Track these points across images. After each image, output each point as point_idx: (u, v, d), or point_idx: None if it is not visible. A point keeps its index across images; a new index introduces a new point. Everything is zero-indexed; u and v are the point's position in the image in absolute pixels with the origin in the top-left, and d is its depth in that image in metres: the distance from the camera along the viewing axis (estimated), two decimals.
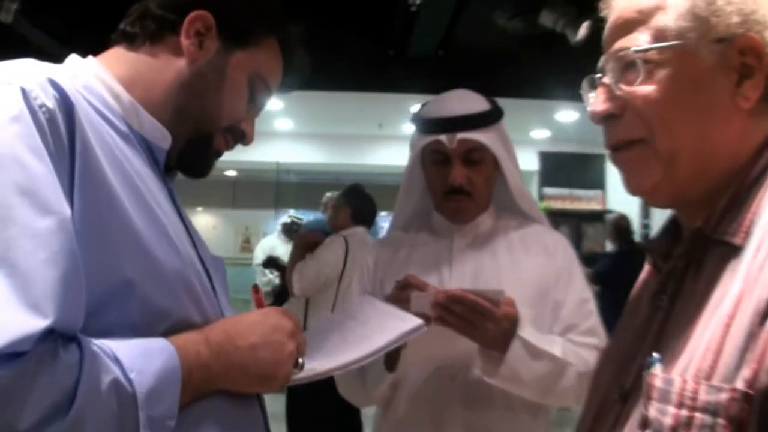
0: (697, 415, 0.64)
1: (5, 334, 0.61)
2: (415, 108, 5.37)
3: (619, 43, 0.80)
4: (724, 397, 0.63)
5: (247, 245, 9.80)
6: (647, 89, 0.77)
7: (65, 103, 0.76)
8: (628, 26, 0.80)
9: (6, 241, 0.65)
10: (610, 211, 7.24)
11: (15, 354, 0.60)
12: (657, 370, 0.71)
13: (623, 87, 0.79)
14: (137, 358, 0.72)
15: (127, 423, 0.69)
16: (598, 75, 0.84)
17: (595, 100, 0.83)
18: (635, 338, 0.83)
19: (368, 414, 3.53)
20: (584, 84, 0.89)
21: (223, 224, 10.20)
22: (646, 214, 7.86)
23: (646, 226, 7.88)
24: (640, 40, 0.78)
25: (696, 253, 0.78)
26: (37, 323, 0.63)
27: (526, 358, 1.35)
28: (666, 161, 0.78)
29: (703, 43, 0.75)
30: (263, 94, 1.02)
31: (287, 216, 7.11)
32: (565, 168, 7.52)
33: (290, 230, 6.67)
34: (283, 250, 6.18)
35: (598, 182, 7.56)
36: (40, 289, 0.64)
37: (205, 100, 0.94)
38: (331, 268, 3.66)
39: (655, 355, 0.73)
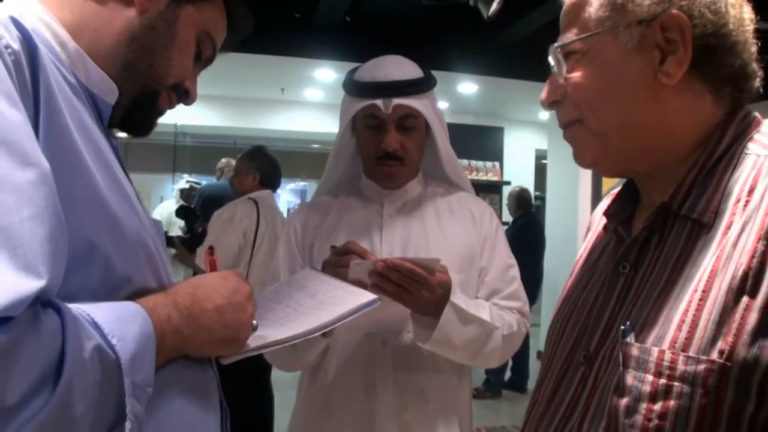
0: (676, 384, 0.68)
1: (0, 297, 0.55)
2: (319, 74, 5.30)
3: (560, 39, 0.86)
4: (702, 368, 0.66)
5: None
6: (575, 76, 0.83)
7: (29, 45, 0.69)
8: (567, 18, 0.86)
9: None
10: (507, 183, 7.47)
11: (3, 319, 0.55)
12: (631, 338, 0.74)
13: (564, 76, 0.85)
14: (115, 323, 0.67)
15: (110, 390, 0.65)
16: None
17: (543, 90, 0.89)
18: (596, 303, 0.86)
19: (278, 379, 3.53)
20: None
21: None
22: (539, 187, 8.19)
23: (539, 198, 8.21)
24: (571, 34, 0.84)
25: (659, 225, 0.81)
26: (30, 285, 0.57)
27: (456, 323, 1.38)
28: (600, 140, 0.84)
29: (621, 28, 0.79)
30: (209, 51, 0.98)
31: (185, 181, 6.89)
32: (464, 139, 7.66)
33: (189, 195, 6.49)
34: None
35: (495, 154, 7.76)
36: (29, 248, 0.58)
37: (155, 55, 0.89)
38: (245, 235, 3.53)
39: (627, 323, 0.76)
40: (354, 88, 1.56)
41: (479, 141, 7.75)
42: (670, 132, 0.81)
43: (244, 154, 3.89)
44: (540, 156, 8.28)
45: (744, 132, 0.80)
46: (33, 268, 0.58)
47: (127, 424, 0.66)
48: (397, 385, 1.47)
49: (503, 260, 1.61)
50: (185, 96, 0.99)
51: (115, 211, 0.75)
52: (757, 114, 0.83)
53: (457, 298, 1.39)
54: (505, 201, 6.90)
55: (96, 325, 0.66)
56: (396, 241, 1.56)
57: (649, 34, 0.78)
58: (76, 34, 0.83)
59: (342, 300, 1.12)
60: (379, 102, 1.50)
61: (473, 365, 1.57)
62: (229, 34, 1.01)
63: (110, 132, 0.93)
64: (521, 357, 5.86)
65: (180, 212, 4.48)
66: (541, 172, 8.18)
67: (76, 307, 0.66)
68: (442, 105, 7.46)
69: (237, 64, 5.32)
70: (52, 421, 0.58)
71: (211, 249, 1.00)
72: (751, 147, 0.78)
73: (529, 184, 8.13)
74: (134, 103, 0.91)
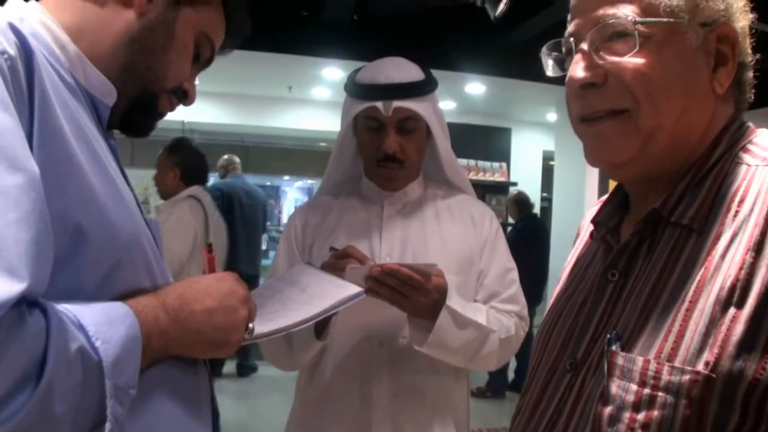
0: (660, 394, 0.67)
1: None
2: (327, 72, 5.29)
3: (605, 11, 0.78)
4: (686, 378, 0.66)
5: (146, 206, 9.46)
6: (638, 62, 0.76)
7: (25, 50, 0.71)
8: None
9: None
10: (513, 183, 7.47)
11: None
12: (617, 347, 0.73)
13: (606, 56, 0.78)
14: (102, 326, 0.69)
15: (91, 392, 0.67)
16: (571, 39, 0.82)
17: (575, 67, 0.80)
18: (584, 311, 0.85)
19: (278, 375, 3.52)
20: (545, 49, 0.88)
21: None
22: (545, 188, 8.17)
23: (545, 199, 8.20)
24: (627, 11, 0.77)
25: (649, 232, 0.80)
26: (12, 288, 0.59)
27: (452, 326, 1.39)
28: (645, 137, 0.78)
29: (692, 24, 0.77)
30: (208, 53, 0.99)
31: None
32: (471, 139, 7.66)
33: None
34: None
35: (502, 155, 7.76)
36: (13, 251, 0.60)
37: (153, 58, 0.90)
38: (195, 238, 3.31)
39: (614, 332, 0.75)
40: (355, 89, 1.57)
41: (486, 141, 7.74)
42: (700, 137, 0.80)
43: (165, 148, 3.64)
44: (547, 157, 8.26)
45: (737, 141, 0.80)
46: (16, 271, 0.60)
47: (107, 426, 0.67)
48: (393, 387, 1.48)
49: (502, 264, 1.61)
50: (184, 97, 1.00)
51: (108, 212, 0.76)
52: (750, 123, 0.83)
53: (454, 302, 1.40)
54: None
55: (81, 327, 0.67)
56: (395, 242, 1.56)
57: (709, 39, 0.78)
58: (77, 37, 0.85)
59: (329, 293, 1.15)
60: (379, 104, 1.50)
61: (470, 368, 1.57)
62: (228, 35, 1.02)
63: (109, 133, 0.94)
64: (524, 358, 5.83)
65: None
66: (548, 173, 8.16)
67: (65, 308, 0.67)
68: (449, 105, 7.46)
69: (245, 62, 5.35)
70: (32, 419, 0.59)
71: (209, 246, 1.01)
72: (743, 156, 0.78)
73: (536, 185, 8.11)
74: (133, 105, 0.92)
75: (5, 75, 0.67)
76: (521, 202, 6.22)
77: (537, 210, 7.02)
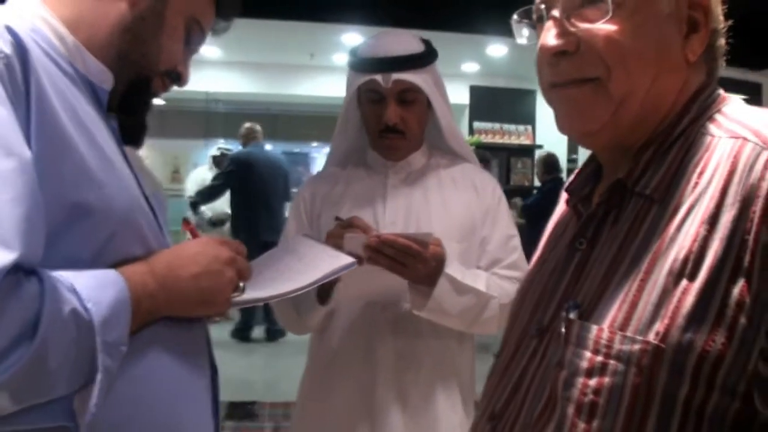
0: (611, 362, 0.69)
1: None
2: (347, 38, 5.29)
3: None
4: (636, 347, 0.67)
5: (177, 175, 9.64)
6: (610, 29, 0.76)
7: (20, 49, 0.78)
8: None
9: None
10: (539, 146, 7.42)
11: None
12: (574, 315, 0.75)
13: (578, 23, 0.78)
14: (93, 290, 0.78)
15: (85, 347, 0.76)
16: (542, 6, 0.82)
17: (547, 35, 0.80)
18: (553, 278, 0.87)
19: (295, 340, 3.62)
20: (515, 16, 0.88)
21: (152, 154, 9.97)
22: (573, 149, 8.10)
23: (572, 161, 8.13)
24: None
25: (616, 202, 0.80)
26: (5, 257, 0.68)
27: (451, 292, 1.45)
28: (616, 103, 0.78)
29: None
30: (198, 37, 1.06)
31: (216, 148, 7.03)
32: (496, 102, 7.62)
33: (220, 162, 6.64)
34: None
35: (527, 117, 7.70)
36: (6, 226, 0.69)
37: (146, 45, 0.96)
38: None
39: (571, 301, 0.77)
40: (356, 63, 1.61)
41: (510, 104, 7.69)
42: (673, 107, 0.80)
43: None
44: None
45: (705, 110, 0.79)
46: (9, 243, 0.69)
47: (98, 375, 0.77)
48: (396, 351, 1.53)
49: (504, 231, 1.65)
50: (178, 79, 1.06)
51: (104, 189, 0.84)
52: (721, 91, 0.82)
53: (452, 269, 1.45)
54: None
55: (74, 291, 0.76)
56: (399, 211, 1.61)
57: (681, 5, 0.78)
58: (74, 29, 0.91)
59: (323, 263, 1.21)
60: (378, 77, 1.54)
61: (471, 332, 1.63)
62: (218, 16, 1.08)
63: (110, 115, 1.00)
64: None
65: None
66: None
67: (60, 275, 0.76)
68: (473, 68, 7.40)
69: (266, 31, 5.38)
70: (27, 372, 0.69)
71: (186, 220, 1.09)
72: (709, 127, 0.77)
73: (562, 147, 8.02)
74: (129, 89, 0.99)
75: (2, 73, 0.75)
76: (550, 163, 6.20)
77: (564, 172, 6.96)
